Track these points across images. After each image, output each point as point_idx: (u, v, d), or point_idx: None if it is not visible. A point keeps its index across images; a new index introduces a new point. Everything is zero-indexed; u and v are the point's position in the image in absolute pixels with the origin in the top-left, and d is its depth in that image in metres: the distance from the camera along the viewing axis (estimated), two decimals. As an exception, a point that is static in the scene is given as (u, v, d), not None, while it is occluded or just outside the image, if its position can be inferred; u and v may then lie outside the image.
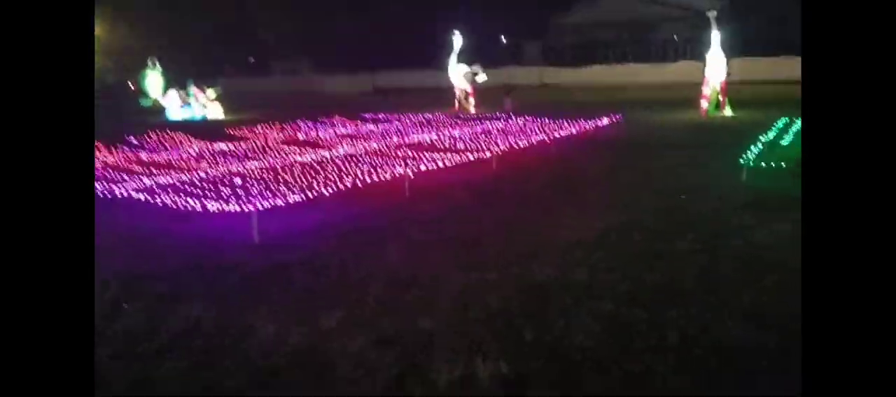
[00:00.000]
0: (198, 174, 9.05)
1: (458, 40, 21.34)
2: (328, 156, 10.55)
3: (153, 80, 26.63)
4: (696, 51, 36.72)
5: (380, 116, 18.28)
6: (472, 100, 21.67)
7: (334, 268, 5.14)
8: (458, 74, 21.47)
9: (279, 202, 6.78)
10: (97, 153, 11.81)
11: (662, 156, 10.67)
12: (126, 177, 8.92)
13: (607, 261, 5.10)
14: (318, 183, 8.26)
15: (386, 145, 11.72)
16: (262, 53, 51.98)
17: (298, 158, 10.40)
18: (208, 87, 23.26)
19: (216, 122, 20.34)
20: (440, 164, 9.20)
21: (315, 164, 9.83)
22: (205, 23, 45.40)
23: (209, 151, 11.71)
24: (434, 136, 12.91)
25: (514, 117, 15.80)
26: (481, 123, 15.16)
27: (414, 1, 41.18)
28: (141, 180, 8.65)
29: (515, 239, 5.86)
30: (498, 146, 10.85)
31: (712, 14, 16.34)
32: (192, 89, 22.55)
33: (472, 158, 9.71)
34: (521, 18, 45.55)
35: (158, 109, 23.75)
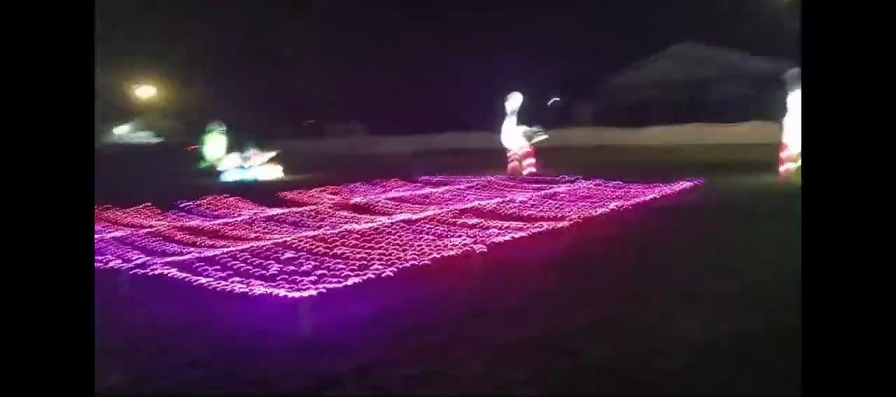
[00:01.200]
0: (243, 244, 8.10)
1: (516, 100, 20.41)
2: (385, 223, 9.50)
3: (214, 143, 26.58)
4: (753, 111, 34.94)
5: (436, 179, 17.32)
6: (529, 160, 20.54)
7: (396, 388, 3.94)
8: (517, 135, 20.44)
9: (333, 283, 5.68)
10: (145, 218, 11.12)
11: (760, 225, 9.22)
12: (166, 247, 8.05)
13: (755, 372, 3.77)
14: (376, 256, 7.16)
15: (447, 211, 10.62)
16: (316, 115, 52.62)
17: (354, 226, 9.38)
18: (266, 147, 22.92)
19: (271, 184, 19.77)
20: (510, 235, 7.99)
21: (372, 233, 8.78)
22: (261, 86, 46.34)
23: (260, 218, 10.85)
24: (497, 200, 11.77)
25: (582, 180, 14.55)
26: (546, 186, 13.96)
27: (463, 63, 40.99)
28: (181, 251, 7.74)
29: (620, 341, 4.55)
30: (572, 213, 9.59)
31: (791, 73, 14.90)
32: (251, 151, 22.23)
33: (545, 227, 8.47)
34: (570, 78, 44.77)
35: (213, 172, 23.51)
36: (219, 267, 6.80)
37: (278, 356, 4.54)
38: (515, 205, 11.20)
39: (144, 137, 38.94)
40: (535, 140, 20.68)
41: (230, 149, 24.57)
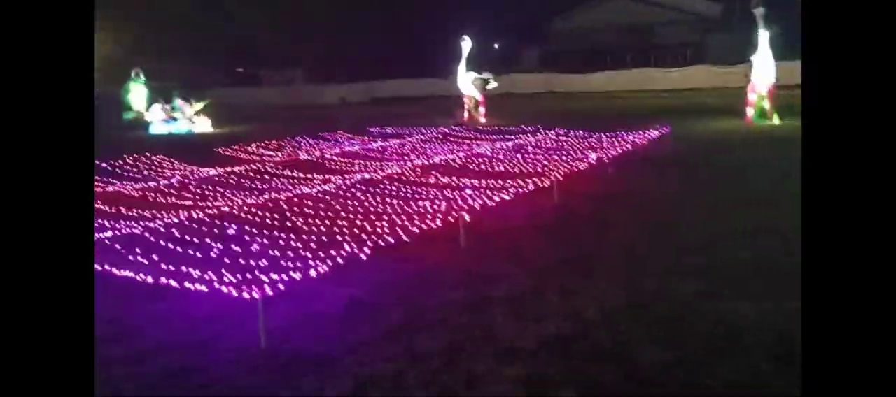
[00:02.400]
0: (178, 216, 6.70)
1: (466, 46, 19.14)
2: (343, 184, 8.25)
3: (137, 93, 24.14)
4: (700, 56, 34.83)
5: (389, 130, 15.98)
6: (482, 109, 19.45)
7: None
8: (468, 82, 19.23)
9: (293, 269, 4.49)
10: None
11: (747, 176, 8.56)
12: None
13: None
14: (339, 228, 5.97)
15: (410, 168, 9.44)
16: (251, 64, 49.44)
17: (306, 189, 8.08)
18: (196, 99, 20.80)
19: (203, 138, 17.92)
20: (489, 197, 6.95)
21: (329, 198, 7.53)
22: (192, 33, 42.84)
23: (195, 179, 9.35)
24: (461, 155, 10.66)
25: (543, 130, 13.58)
26: (508, 137, 12.92)
27: (407, 7, 38.97)
28: (96, 227, 6.30)
29: (666, 337, 3.61)
30: (549, 169, 8.61)
31: (759, 11, 14.23)
32: (178, 102, 20.09)
33: (527, 186, 7.46)
34: (516, 24, 43.50)
35: (141, 123, 21.28)
36: (143, 249, 5.45)
37: (228, 377, 3.36)
38: (484, 159, 10.13)
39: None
40: (488, 87, 19.55)
41: (153, 99, 22.28)
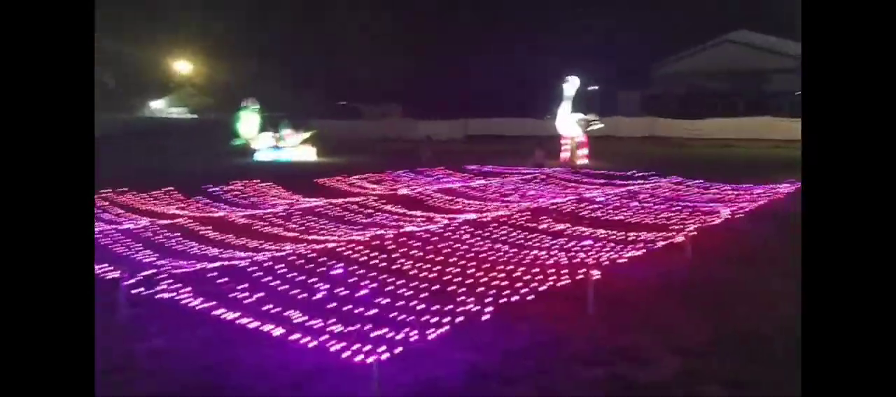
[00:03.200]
0: (282, 249, 6.42)
1: (572, 85, 18.40)
2: (446, 224, 7.75)
3: (248, 122, 25.15)
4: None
5: (486, 168, 15.51)
6: (584, 151, 18.56)
7: None
8: (571, 122, 18.45)
9: (406, 330, 3.97)
10: (166, 206, 9.55)
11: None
12: (183, 246, 6.42)
13: None
14: (450, 275, 5.42)
15: (516, 210, 8.82)
16: (352, 98, 51.04)
17: (410, 227, 7.64)
18: (302, 128, 21.33)
19: (305, 167, 18.19)
20: (620, 252, 6.19)
21: (435, 238, 7.03)
22: (295, 65, 44.86)
23: (299, 209, 9.17)
24: (570, 199, 9.92)
25: (658, 176, 12.60)
26: (619, 183, 12.04)
27: (506, 48, 38.87)
28: (200, 255, 6.09)
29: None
30: (676, 222, 7.73)
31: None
32: (286, 131, 20.65)
33: (657, 242, 6.63)
34: (616, 67, 42.22)
35: (248, 150, 22.05)
36: (247, 284, 5.13)
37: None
38: (596, 205, 9.35)
39: (178, 113, 37.80)
40: (591, 128, 18.68)
41: (263, 128, 23.09)
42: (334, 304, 4.64)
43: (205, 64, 40.83)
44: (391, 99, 44.13)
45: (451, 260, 5.97)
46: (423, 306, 4.52)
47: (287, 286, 5.14)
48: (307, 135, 21.01)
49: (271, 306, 4.56)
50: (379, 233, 7.33)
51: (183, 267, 5.61)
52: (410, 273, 5.54)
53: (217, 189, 10.90)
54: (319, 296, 4.89)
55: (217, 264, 5.81)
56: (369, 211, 9.22)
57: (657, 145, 24.99)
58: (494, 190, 11.50)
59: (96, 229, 7.37)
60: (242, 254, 6.27)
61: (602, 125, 18.88)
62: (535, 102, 34.82)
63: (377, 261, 5.94)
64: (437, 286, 5.13)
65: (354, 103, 49.75)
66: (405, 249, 6.44)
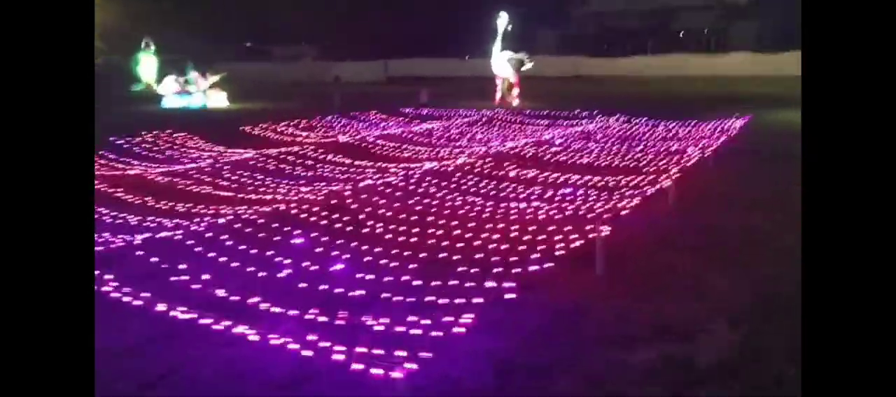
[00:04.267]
0: (222, 214, 5.30)
1: (502, 22, 17.62)
2: (410, 177, 6.87)
3: (147, 64, 22.63)
4: (723, 43, 33.24)
5: (424, 112, 14.55)
6: (516, 91, 17.98)
7: None
8: (503, 62, 17.74)
9: (417, 317, 3.15)
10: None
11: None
12: (101, 214, 5.17)
13: None
14: (436, 238, 4.61)
15: (474, 155, 8.03)
16: (259, 38, 47.59)
17: (368, 181, 6.68)
18: (211, 71, 19.26)
19: (221, 114, 16.46)
20: (615, 201, 5.59)
21: (402, 192, 6.13)
22: (202, 6, 40.94)
23: (226, 163, 7.91)
24: (526, 141, 9.23)
25: (602, 115, 12.18)
26: (568, 124, 11.50)
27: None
28: (111, 224, 4.88)
29: None
30: (660, 165, 7.25)
31: None
32: (193, 74, 18.54)
33: (637, 185, 6.08)
34: (533, 5, 41.68)
35: (152, 96, 19.77)
36: (186, 264, 4.07)
37: None
38: (555, 147, 8.73)
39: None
40: (524, 68, 18.07)
41: (163, 72, 20.76)
42: (305, 285, 3.70)
43: (96, 4, 36.36)
44: (304, 40, 41.47)
45: (428, 220, 5.12)
46: (419, 283, 3.68)
47: (238, 263, 4.12)
48: (216, 79, 19.00)
49: (224, 291, 3.57)
50: (331, 188, 6.33)
51: (98, 244, 4.42)
52: (387, 238, 4.65)
53: (123, 141, 9.33)
54: (283, 274, 3.93)
55: (141, 237, 4.65)
56: (309, 162, 8.13)
57: (582, 84, 24.83)
58: (440, 134, 10.64)
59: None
60: (171, 223, 5.11)
61: (532, 64, 18.28)
62: (456, 42, 33.84)
63: (342, 225, 5.00)
64: (425, 254, 4.28)
65: (263, 45, 46.47)
66: (370, 209, 5.51)
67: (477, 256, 4.20)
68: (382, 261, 4.10)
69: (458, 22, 34.40)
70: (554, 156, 8.09)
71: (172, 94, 18.07)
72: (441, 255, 4.24)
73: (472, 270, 3.90)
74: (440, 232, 4.76)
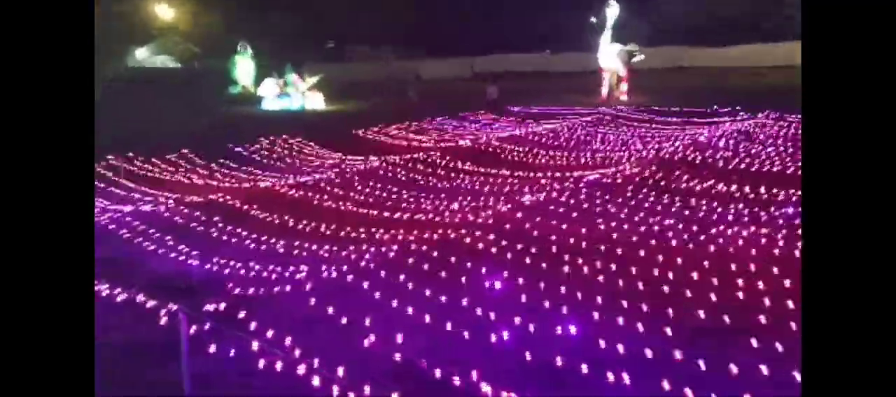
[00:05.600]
0: (381, 239, 4.50)
1: (613, 12, 16.30)
2: (578, 191, 5.89)
3: (244, 67, 22.74)
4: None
5: (534, 110, 13.52)
6: (624, 85, 16.62)
7: None
8: (612, 55, 16.43)
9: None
10: (189, 171, 7.52)
11: None
12: (235, 239, 4.47)
13: None
14: (690, 286, 3.61)
15: (636, 163, 6.93)
16: (340, 38, 47.81)
17: (529, 196, 5.74)
18: (308, 74, 18.97)
19: (321, 116, 16.07)
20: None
21: (580, 207, 5.15)
22: (279, 10, 41.42)
23: (354, 173, 7.19)
24: (682, 143, 8.02)
25: (744, 113, 10.74)
26: (711, 123, 10.16)
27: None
28: (267, 249, 4.17)
29: None
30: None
31: None
32: (292, 77, 18.29)
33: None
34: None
35: (250, 98, 19.70)
36: (367, 303, 3.26)
37: None
38: (720, 151, 7.49)
39: (162, 62, 34.77)
40: (634, 60, 16.69)
41: (262, 74, 20.71)
42: (529, 355, 2.79)
43: (187, 9, 37.58)
44: (385, 40, 41.21)
45: (638, 253, 4.11)
46: (700, 364, 2.69)
47: (427, 315, 3.27)
48: (314, 81, 18.70)
49: (423, 360, 2.71)
50: (497, 208, 5.43)
51: (249, 281, 3.71)
52: (600, 280, 3.68)
53: (241, 149, 8.84)
54: (494, 337, 3.04)
55: (300, 272, 3.90)
56: (441, 171, 7.29)
57: (689, 76, 22.91)
58: (568, 136, 9.58)
59: (108, 215, 5.41)
60: (326, 249, 4.36)
61: (643, 56, 16.86)
62: (546, 36, 32.49)
63: (533, 258, 4.07)
64: (671, 308, 3.28)
65: (345, 45, 46.67)
66: (554, 236, 4.55)
67: (733, 315, 3.17)
68: (619, 320, 3.14)
69: (541, 16, 33.03)
70: (727, 162, 6.88)
71: (272, 96, 17.87)
72: (698, 314, 3.22)
73: (751, 342, 2.87)
74: (662, 271, 3.75)
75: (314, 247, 4.57)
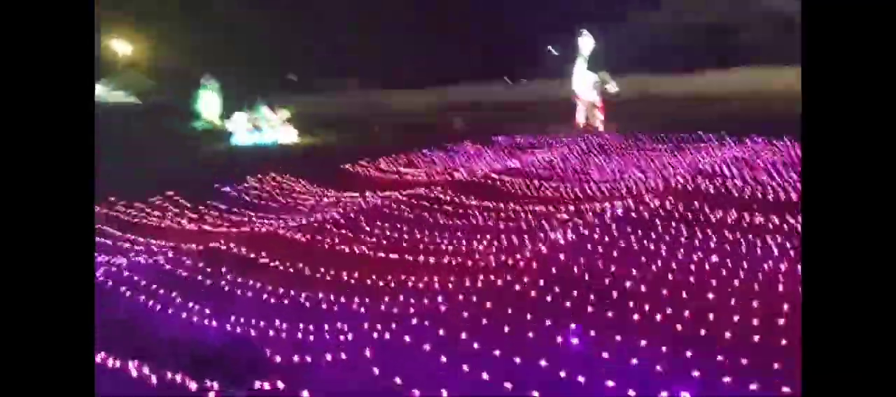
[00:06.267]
0: (419, 289, 4.11)
1: (587, 42, 16.44)
2: (608, 225, 5.63)
3: (209, 101, 21.94)
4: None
5: (518, 140, 13.36)
6: (599, 114, 16.69)
7: None
8: (587, 83, 16.51)
9: None
10: (178, 214, 6.94)
11: None
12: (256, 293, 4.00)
13: None
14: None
15: (661, 195, 6.75)
16: (300, 70, 47.19)
17: (554, 235, 5.44)
18: (280, 106, 18.41)
19: (297, 149, 15.57)
20: None
21: (616, 244, 4.86)
22: (244, 41, 40.69)
23: (357, 212, 6.75)
24: (681, 171, 7.92)
25: (729, 138, 10.82)
26: (703, 149, 10.16)
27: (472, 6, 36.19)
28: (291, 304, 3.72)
29: None
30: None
31: None
32: (264, 110, 17.69)
33: None
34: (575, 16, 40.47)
35: (216, 133, 18.96)
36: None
37: None
38: (725, 177, 7.39)
39: (121, 97, 33.47)
40: (609, 88, 16.80)
41: (227, 107, 20.04)
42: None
43: (144, 42, 36.54)
44: (346, 72, 40.84)
45: (736, 305, 3.83)
46: None
47: None
48: (287, 114, 18.16)
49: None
50: (536, 248, 5.10)
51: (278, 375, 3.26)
52: (725, 340, 3.36)
53: (229, 188, 8.29)
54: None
55: (337, 338, 3.46)
56: (448, 207, 6.95)
57: (658, 105, 23.20)
58: (563, 167, 9.39)
59: (103, 270, 4.84)
60: (362, 306, 3.93)
61: (617, 88, 16.96)
62: (510, 64, 32.79)
63: (604, 313, 3.74)
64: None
65: (304, 76, 46.02)
66: (608, 279, 4.24)
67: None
68: (726, 380, 2.82)
69: (506, 43, 33.38)
70: (741, 190, 6.77)
71: (244, 130, 17.22)
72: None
73: None
74: (744, 318, 3.47)
75: (343, 299, 4.14)
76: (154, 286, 4.50)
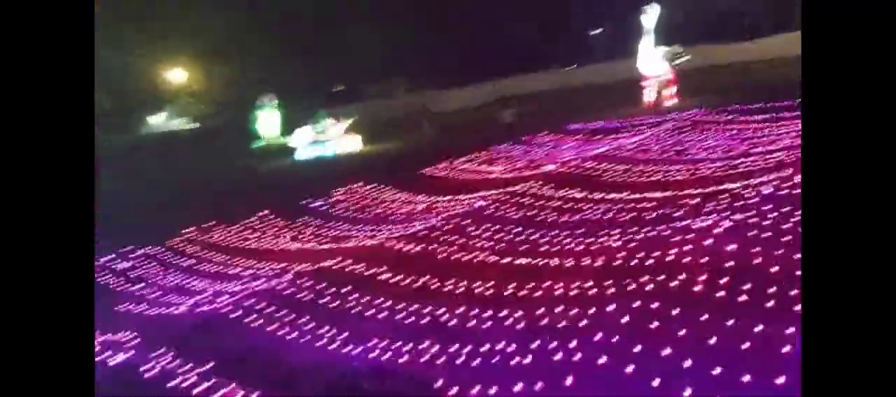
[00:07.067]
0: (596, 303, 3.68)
1: (653, 13, 15.62)
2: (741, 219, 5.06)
3: (269, 120, 22.09)
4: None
5: (590, 126, 12.72)
6: (673, 89, 15.86)
7: None
8: (657, 58, 15.70)
9: None
10: (278, 233, 6.74)
11: None
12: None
13: None
14: None
15: (775, 179, 6.10)
16: (348, 78, 47.47)
17: (701, 222, 4.90)
18: (342, 117, 18.33)
19: (360, 158, 15.38)
20: None
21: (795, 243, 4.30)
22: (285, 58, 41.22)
23: (457, 217, 6.36)
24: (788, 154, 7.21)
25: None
26: (770, 123, 9.33)
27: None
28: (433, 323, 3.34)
29: None
30: None
31: None
32: (327, 121, 17.62)
33: None
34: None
35: (278, 150, 19.02)
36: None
37: None
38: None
39: (181, 125, 34.44)
40: (677, 61, 15.96)
41: (289, 123, 20.12)
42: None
43: (197, 69, 37.53)
44: (394, 72, 40.71)
45: None
46: None
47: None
48: (350, 122, 18.05)
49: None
50: (698, 239, 4.59)
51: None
52: None
53: (320, 203, 8.07)
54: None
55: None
56: (556, 202, 6.47)
57: (729, 74, 22.01)
58: (661, 148, 8.76)
59: (226, 298, 4.61)
60: (520, 324, 3.52)
61: (689, 57, 16.12)
62: (566, 49, 31.99)
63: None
64: None
65: (353, 84, 46.24)
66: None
67: None
68: None
69: (557, 29, 32.56)
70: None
71: (306, 144, 17.19)
72: None
73: None
74: None
75: (489, 312, 3.75)
76: (282, 312, 4.24)
